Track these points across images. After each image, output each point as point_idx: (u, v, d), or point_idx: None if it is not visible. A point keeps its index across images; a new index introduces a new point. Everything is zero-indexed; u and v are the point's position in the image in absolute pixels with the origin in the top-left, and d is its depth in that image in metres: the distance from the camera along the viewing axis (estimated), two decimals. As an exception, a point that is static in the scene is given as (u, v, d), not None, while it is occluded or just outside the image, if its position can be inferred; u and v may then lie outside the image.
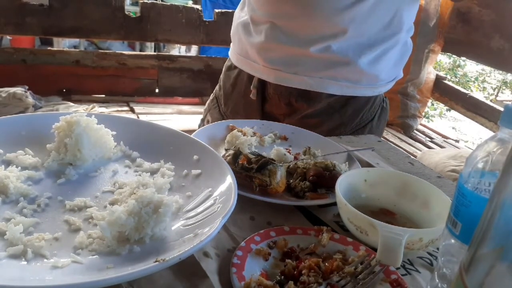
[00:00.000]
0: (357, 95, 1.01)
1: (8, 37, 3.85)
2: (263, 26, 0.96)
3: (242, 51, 1.04)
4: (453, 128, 4.94)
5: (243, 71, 1.05)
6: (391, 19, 0.92)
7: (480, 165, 0.45)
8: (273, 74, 0.97)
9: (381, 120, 1.10)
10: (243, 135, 0.82)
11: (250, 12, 0.99)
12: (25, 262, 0.46)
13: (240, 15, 1.04)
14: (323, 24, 0.90)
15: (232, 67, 1.09)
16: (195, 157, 0.67)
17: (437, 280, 0.50)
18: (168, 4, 3.38)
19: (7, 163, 0.62)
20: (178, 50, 4.67)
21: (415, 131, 3.36)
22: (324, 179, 0.71)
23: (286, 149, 0.84)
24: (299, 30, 0.92)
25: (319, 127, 0.99)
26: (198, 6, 3.36)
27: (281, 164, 0.72)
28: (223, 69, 1.15)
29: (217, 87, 1.17)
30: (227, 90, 1.11)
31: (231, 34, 1.09)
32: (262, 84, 1.02)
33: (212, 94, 1.18)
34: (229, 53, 1.11)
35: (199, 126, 1.19)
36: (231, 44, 1.10)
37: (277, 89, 1.00)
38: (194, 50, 4.49)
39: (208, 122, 1.15)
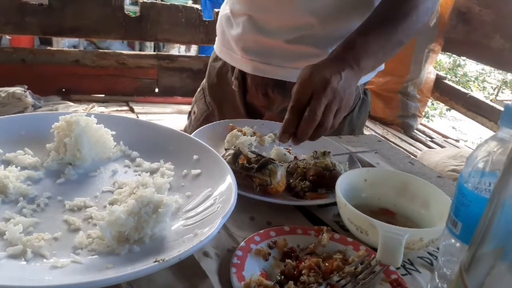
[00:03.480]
0: None
1: (8, 36, 3.85)
2: (241, 18, 0.99)
3: (224, 42, 1.07)
4: (453, 127, 4.93)
5: (227, 63, 1.08)
6: (366, 11, 0.92)
7: (480, 165, 0.45)
8: (250, 64, 1.00)
9: (361, 111, 1.11)
10: (243, 135, 0.82)
11: (231, 5, 1.03)
12: (25, 262, 0.46)
13: (224, 8, 1.08)
14: (295, 16, 0.92)
15: (217, 59, 1.12)
16: (195, 157, 0.67)
17: (437, 280, 0.50)
18: (168, 3, 3.38)
19: (7, 163, 0.62)
20: (177, 49, 4.67)
21: (415, 130, 3.37)
22: (324, 179, 0.71)
23: (286, 149, 0.84)
24: (272, 22, 0.95)
25: None
26: (198, 6, 3.36)
27: (281, 164, 0.72)
28: (209, 61, 1.18)
29: (204, 80, 1.19)
30: (211, 81, 1.14)
31: (216, 26, 1.12)
32: (243, 75, 1.05)
33: (199, 87, 1.20)
34: (215, 45, 1.14)
35: (188, 119, 1.20)
36: (216, 36, 1.12)
37: (254, 80, 1.03)
38: (193, 50, 4.49)
39: (194, 113, 1.17)
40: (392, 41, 0.83)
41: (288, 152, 0.83)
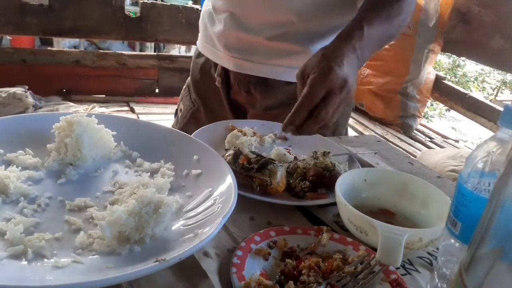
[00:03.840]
0: None
1: (8, 37, 3.85)
2: (222, 15, 0.99)
3: (207, 38, 1.07)
4: (452, 128, 4.93)
5: (210, 59, 1.08)
6: (344, 7, 0.93)
7: (479, 165, 0.45)
8: (232, 61, 1.00)
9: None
10: (243, 135, 0.82)
11: (213, 1, 1.03)
12: (26, 262, 0.46)
13: (207, 4, 1.08)
14: (276, 13, 0.93)
15: (200, 55, 1.12)
16: (195, 157, 0.68)
17: (437, 280, 0.50)
18: (168, 4, 3.39)
19: (8, 163, 0.62)
20: (178, 50, 4.67)
21: (414, 131, 3.37)
22: (324, 179, 0.71)
23: (286, 149, 0.84)
24: (254, 19, 0.95)
25: (281, 118, 1.00)
26: (198, 6, 3.36)
27: (281, 164, 0.72)
28: (192, 57, 1.17)
29: (189, 77, 1.19)
30: (195, 77, 1.14)
31: (199, 22, 1.12)
32: (226, 71, 1.05)
33: (185, 84, 1.20)
34: (197, 41, 1.14)
35: (175, 117, 1.20)
36: (199, 32, 1.12)
37: (237, 77, 1.03)
38: (194, 50, 4.48)
39: (181, 111, 1.17)
40: (387, 35, 0.83)
41: (288, 152, 0.83)
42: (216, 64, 1.06)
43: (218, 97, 1.08)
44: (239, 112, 1.07)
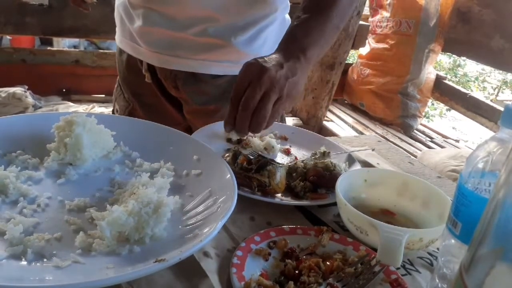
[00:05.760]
0: None
1: (8, 37, 3.85)
2: (140, 10, 0.96)
3: (125, 33, 1.03)
4: (453, 128, 4.93)
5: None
6: (268, 1, 0.93)
7: (480, 165, 0.45)
8: (156, 57, 0.97)
9: None
10: (243, 135, 0.82)
11: None
12: (25, 262, 0.46)
13: None
14: (195, 9, 0.91)
15: (122, 51, 1.08)
16: (195, 157, 0.67)
17: (437, 280, 0.50)
18: (168, 4, 3.37)
19: (7, 163, 0.62)
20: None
21: (415, 131, 3.36)
22: (324, 179, 0.71)
23: (286, 149, 0.84)
24: (175, 14, 0.93)
25: (217, 112, 1.00)
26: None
27: (280, 165, 0.72)
28: (116, 55, 1.13)
29: (118, 76, 1.15)
30: (123, 75, 1.10)
31: (114, 16, 1.07)
32: (153, 66, 1.01)
33: (116, 83, 1.16)
34: (116, 36, 1.09)
35: None
36: (116, 27, 1.08)
37: (162, 72, 1.00)
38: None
39: (117, 111, 1.13)
40: (329, 27, 0.82)
41: (288, 152, 0.83)
42: (141, 59, 1.02)
43: (153, 91, 1.04)
44: (178, 104, 1.04)
